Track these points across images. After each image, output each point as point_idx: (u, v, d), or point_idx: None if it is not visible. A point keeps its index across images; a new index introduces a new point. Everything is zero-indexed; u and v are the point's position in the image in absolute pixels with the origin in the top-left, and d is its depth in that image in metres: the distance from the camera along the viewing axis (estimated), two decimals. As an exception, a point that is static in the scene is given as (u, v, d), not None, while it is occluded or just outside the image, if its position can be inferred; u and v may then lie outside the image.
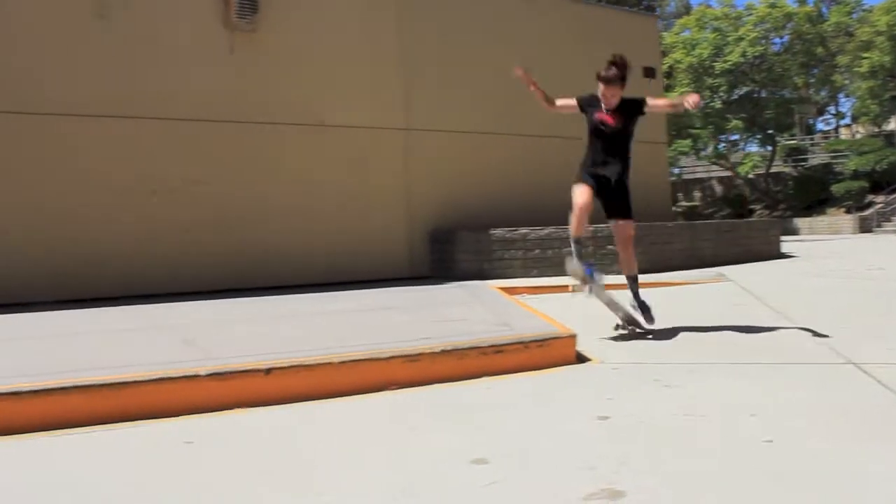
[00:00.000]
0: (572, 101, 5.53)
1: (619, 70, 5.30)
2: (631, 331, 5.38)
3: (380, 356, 4.01)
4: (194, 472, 2.90)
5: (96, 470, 2.95)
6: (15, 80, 7.04)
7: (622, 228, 5.47)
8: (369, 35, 9.08)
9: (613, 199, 5.44)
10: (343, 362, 3.89)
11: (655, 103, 5.51)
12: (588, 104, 5.49)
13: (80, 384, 3.48)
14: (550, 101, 5.49)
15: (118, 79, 7.52)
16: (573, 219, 5.30)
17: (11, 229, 6.99)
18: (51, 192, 7.17)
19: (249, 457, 3.05)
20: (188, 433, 3.35)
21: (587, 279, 5.23)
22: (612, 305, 5.40)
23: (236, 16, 8.38)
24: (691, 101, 5.04)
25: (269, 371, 3.73)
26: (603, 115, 5.39)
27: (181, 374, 3.62)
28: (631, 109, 5.41)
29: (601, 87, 5.34)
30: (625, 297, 5.51)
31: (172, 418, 3.56)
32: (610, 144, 5.42)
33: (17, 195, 7.03)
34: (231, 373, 3.67)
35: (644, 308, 5.47)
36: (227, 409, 3.64)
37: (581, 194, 5.30)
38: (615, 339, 5.23)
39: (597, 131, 5.44)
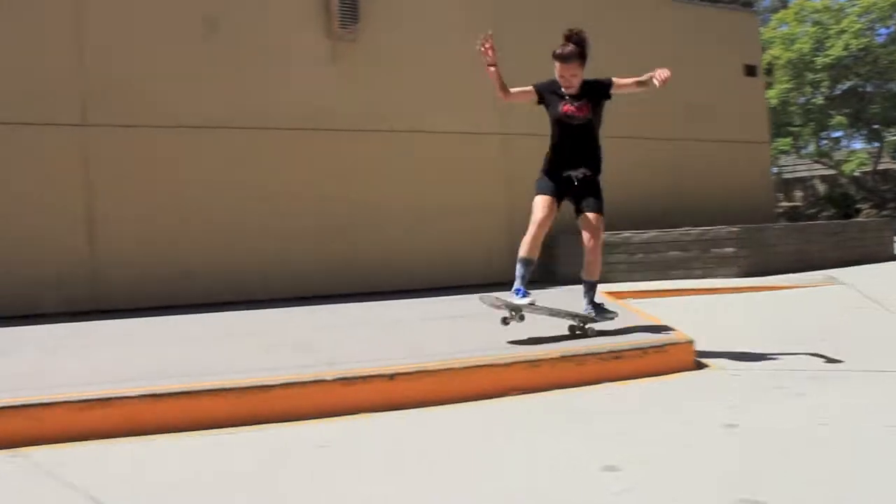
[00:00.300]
0: (528, 89, 4.97)
1: (577, 46, 4.78)
2: (588, 330, 4.78)
3: (500, 362, 4.05)
4: (329, 475, 2.99)
5: (236, 470, 3.08)
6: (135, 95, 7.34)
7: (589, 220, 4.85)
8: (467, 39, 9.11)
9: (582, 196, 4.89)
10: (465, 368, 3.95)
11: (622, 83, 4.86)
12: (548, 91, 4.91)
13: (222, 387, 3.63)
14: (506, 90, 4.93)
15: (228, 92, 7.77)
16: (527, 236, 4.75)
17: (157, 236, 7.30)
18: (164, 201, 7.45)
19: (380, 460, 3.13)
20: (320, 437, 3.45)
21: (515, 307, 4.62)
22: (558, 313, 4.88)
23: (339, 26, 8.55)
24: (661, 75, 4.58)
25: (393, 376, 3.81)
26: (566, 106, 4.83)
27: (310, 379, 3.74)
28: (596, 93, 4.85)
29: (557, 67, 4.80)
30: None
31: (299, 422, 3.67)
32: (576, 138, 4.87)
33: (134, 205, 7.32)
34: (357, 378, 3.76)
35: (599, 309, 4.95)
36: (352, 413, 3.74)
37: (540, 208, 4.80)
38: (726, 350, 5.11)
39: (560, 124, 4.89)
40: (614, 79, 4.87)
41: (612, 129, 9.53)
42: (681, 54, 9.59)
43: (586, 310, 4.92)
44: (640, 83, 4.80)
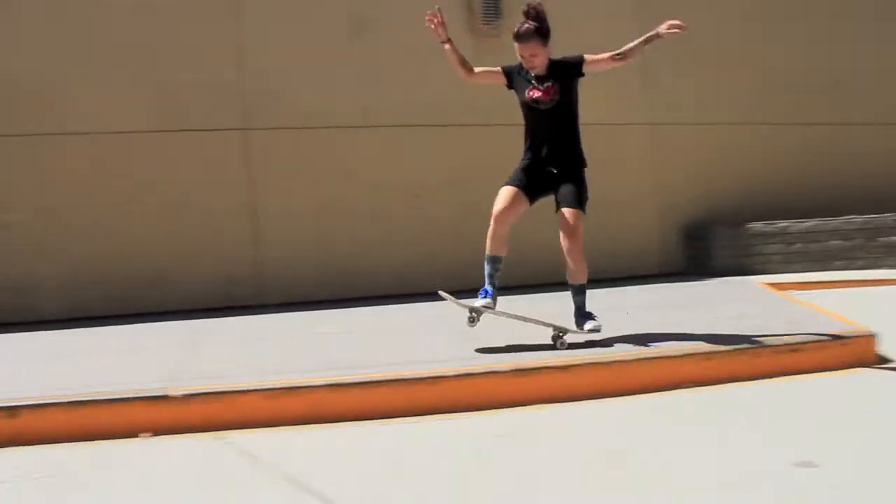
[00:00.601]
0: (496, 70, 4.58)
1: (535, 21, 4.35)
2: (559, 343, 4.28)
3: (672, 354, 3.99)
4: (511, 464, 3.02)
5: (417, 459, 3.16)
6: (288, 100, 7.59)
7: (564, 217, 4.41)
8: (610, 28, 8.97)
9: (559, 187, 4.48)
10: (639, 360, 3.91)
11: (596, 58, 4.41)
12: (516, 74, 4.51)
13: (398, 378, 3.75)
14: (468, 67, 4.59)
15: (372, 91, 7.91)
16: (489, 231, 4.45)
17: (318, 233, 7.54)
18: (322, 198, 7.67)
19: (562, 451, 3.13)
20: (499, 427, 3.50)
21: (474, 308, 4.39)
22: (525, 320, 4.52)
23: (482, 22, 8.58)
24: (668, 26, 4.18)
25: (568, 368, 3.82)
26: (532, 90, 4.42)
27: (482, 371, 3.79)
28: (565, 72, 4.41)
29: (517, 47, 4.40)
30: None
31: (474, 412, 3.72)
32: (548, 125, 4.46)
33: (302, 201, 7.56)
34: (531, 369, 3.79)
35: (587, 317, 4.41)
36: (524, 404, 3.76)
37: (500, 201, 4.44)
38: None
39: (528, 110, 4.50)
40: (586, 55, 4.43)
41: (768, 114, 9.27)
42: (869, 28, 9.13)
43: (584, 313, 4.45)
44: (623, 54, 4.38)
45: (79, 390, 3.78)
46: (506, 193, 4.46)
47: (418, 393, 3.78)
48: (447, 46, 4.55)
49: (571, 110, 4.50)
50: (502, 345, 4.35)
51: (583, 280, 4.47)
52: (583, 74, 4.45)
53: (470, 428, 3.54)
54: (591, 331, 4.32)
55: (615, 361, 3.89)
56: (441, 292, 4.63)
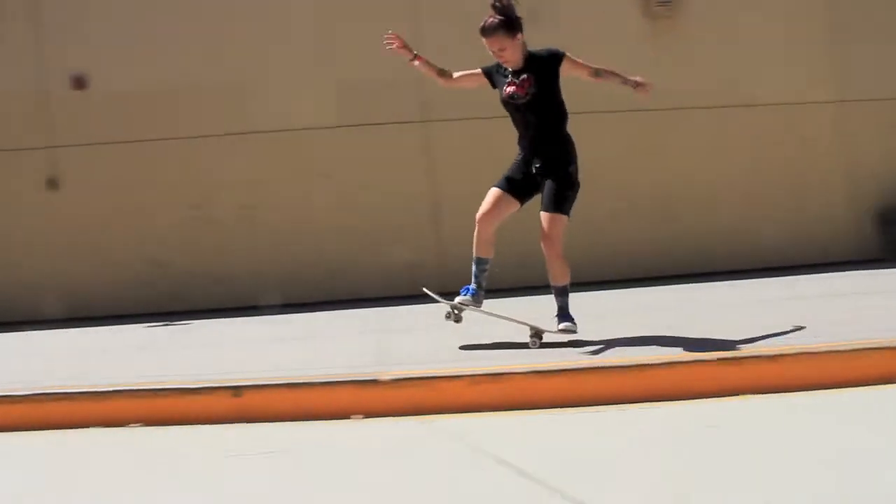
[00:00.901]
0: (475, 72, 4.53)
1: (500, 14, 4.22)
2: (531, 342, 4.34)
3: (891, 346, 3.76)
4: (724, 456, 2.95)
5: (625, 447, 3.15)
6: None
7: (541, 221, 4.32)
8: (792, 4, 8.53)
9: (543, 186, 4.36)
10: (851, 351, 3.73)
11: (579, 63, 4.36)
12: (496, 72, 4.45)
13: (600, 366, 3.76)
14: (445, 75, 4.56)
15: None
16: (475, 234, 4.44)
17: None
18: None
19: (777, 446, 3.04)
20: (707, 417, 3.43)
21: (454, 305, 4.45)
22: (503, 318, 4.55)
23: (657, 4, 8.40)
24: (647, 87, 4.36)
25: (775, 357, 3.70)
26: (509, 85, 4.33)
27: (690, 359, 3.73)
28: (542, 64, 4.30)
29: (484, 43, 4.28)
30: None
31: (680, 401, 3.67)
32: (528, 121, 4.37)
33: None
34: (739, 358, 3.70)
35: (565, 318, 4.35)
36: (732, 394, 3.66)
37: (485, 203, 4.42)
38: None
39: (508, 107, 4.42)
40: (569, 55, 4.34)
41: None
42: None
43: (563, 315, 4.38)
44: (600, 73, 4.39)
45: (293, 373, 4.03)
46: (490, 196, 4.44)
47: (621, 382, 3.77)
48: (417, 63, 4.53)
49: (551, 103, 4.36)
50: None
51: (562, 282, 4.40)
52: (557, 71, 4.32)
53: (674, 417, 3.49)
54: (562, 331, 4.31)
55: (827, 352, 3.73)
56: (424, 289, 4.78)
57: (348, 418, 3.74)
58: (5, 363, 5.10)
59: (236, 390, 3.89)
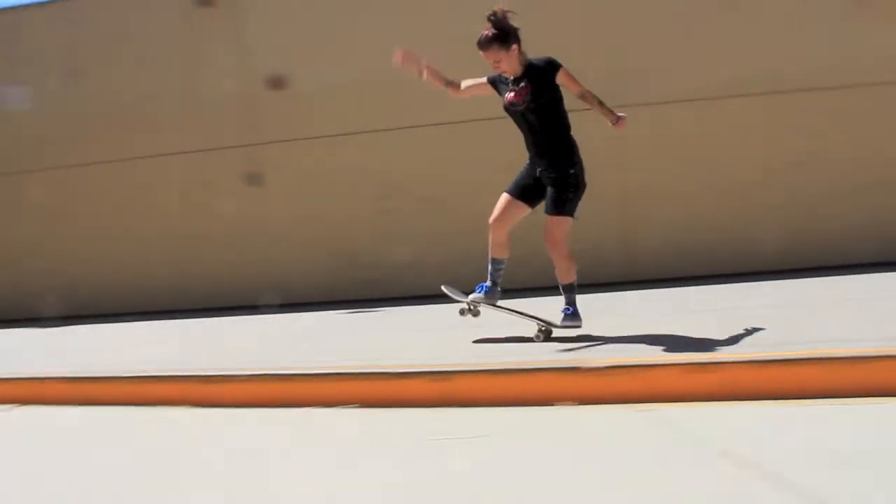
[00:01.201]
0: (481, 81, 4.67)
1: (494, 27, 4.34)
2: (536, 336, 4.68)
3: None
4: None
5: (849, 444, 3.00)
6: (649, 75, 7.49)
7: (545, 224, 4.49)
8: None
9: (546, 190, 4.52)
10: None
11: (572, 80, 4.42)
12: (499, 81, 4.58)
13: (817, 356, 3.61)
14: (453, 85, 4.69)
15: (742, 61, 7.55)
16: (489, 238, 4.70)
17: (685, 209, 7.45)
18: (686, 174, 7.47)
19: None
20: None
21: (469, 301, 4.79)
22: (516, 313, 4.85)
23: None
24: (623, 123, 4.45)
25: None
26: (508, 93, 4.49)
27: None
28: (539, 72, 4.40)
29: (481, 56, 4.43)
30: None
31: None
32: (528, 127, 4.50)
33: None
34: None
35: (571, 316, 4.60)
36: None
37: (495, 209, 4.66)
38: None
39: (510, 114, 4.56)
40: (564, 68, 4.41)
41: None
42: None
43: (566, 310, 4.63)
44: (586, 96, 4.44)
45: (490, 360, 4.16)
46: (500, 202, 4.67)
47: (837, 373, 3.59)
48: (425, 75, 4.67)
49: (549, 109, 4.46)
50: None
51: (568, 280, 4.59)
52: (550, 82, 4.41)
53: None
54: (563, 327, 4.58)
55: None
56: (443, 286, 4.96)
57: (551, 405, 3.77)
58: (227, 343, 5.62)
59: (444, 375, 4.05)
